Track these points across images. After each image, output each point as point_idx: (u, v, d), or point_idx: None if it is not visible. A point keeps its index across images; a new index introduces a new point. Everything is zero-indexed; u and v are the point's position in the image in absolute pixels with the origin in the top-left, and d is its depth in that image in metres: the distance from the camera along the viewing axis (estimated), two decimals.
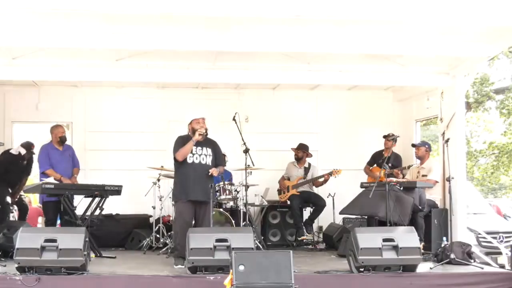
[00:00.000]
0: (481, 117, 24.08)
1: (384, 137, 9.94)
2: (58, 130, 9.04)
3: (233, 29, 7.38)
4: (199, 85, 10.62)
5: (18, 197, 9.44)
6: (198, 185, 7.52)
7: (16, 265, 6.49)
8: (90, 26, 7.24)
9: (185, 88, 10.68)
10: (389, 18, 6.81)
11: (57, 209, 8.62)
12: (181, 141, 7.65)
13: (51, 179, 8.25)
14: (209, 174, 7.55)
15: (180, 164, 7.67)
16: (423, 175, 9.07)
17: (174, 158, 7.68)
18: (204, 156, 7.65)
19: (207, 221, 7.58)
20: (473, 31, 7.61)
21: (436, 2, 6.81)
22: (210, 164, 7.67)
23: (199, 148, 7.64)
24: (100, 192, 8.49)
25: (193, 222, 7.74)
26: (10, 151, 9.27)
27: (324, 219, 10.26)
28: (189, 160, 7.60)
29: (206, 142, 7.72)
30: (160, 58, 8.40)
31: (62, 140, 8.98)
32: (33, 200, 14.41)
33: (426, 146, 9.35)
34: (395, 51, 8.08)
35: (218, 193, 8.96)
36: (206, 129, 7.63)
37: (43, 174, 8.75)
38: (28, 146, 9.22)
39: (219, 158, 7.85)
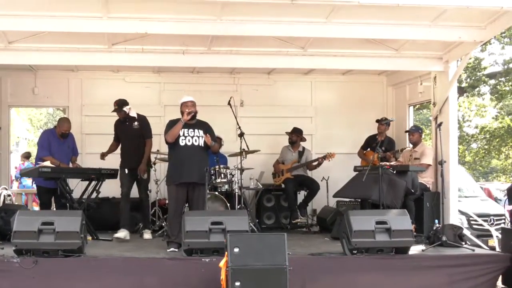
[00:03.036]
0: (473, 102, 24.11)
1: (377, 121, 9.95)
2: (64, 125, 8.94)
3: (228, 14, 7.33)
4: (194, 70, 10.57)
5: (143, 166, 8.55)
6: (191, 166, 7.47)
7: (14, 248, 6.48)
8: (86, 11, 7.19)
9: (181, 73, 10.61)
10: (383, 3, 6.76)
11: (51, 193, 8.61)
12: (171, 124, 7.62)
13: (47, 163, 8.21)
14: (204, 141, 7.50)
15: (172, 147, 7.63)
16: (415, 158, 9.08)
17: (166, 141, 7.66)
18: (196, 138, 7.58)
19: (201, 203, 7.55)
20: (466, 16, 7.58)
21: None
22: (202, 145, 7.60)
23: (191, 130, 7.58)
24: (97, 175, 8.49)
25: (186, 205, 7.73)
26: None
27: (318, 202, 10.27)
28: (182, 143, 7.55)
29: (198, 124, 7.67)
30: (155, 42, 8.33)
31: (63, 136, 8.94)
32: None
33: (420, 131, 9.37)
34: (389, 36, 8.04)
35: (213, 177, 8.95)
36: (195, 111, 7.58)
37: (40, 159, 8.69)
38: (117, 103, 8.73)
39: (211, 137, 7.71)
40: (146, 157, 8.65)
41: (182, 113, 7.58)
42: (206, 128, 7.72)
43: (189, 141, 7.57)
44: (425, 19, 7.68)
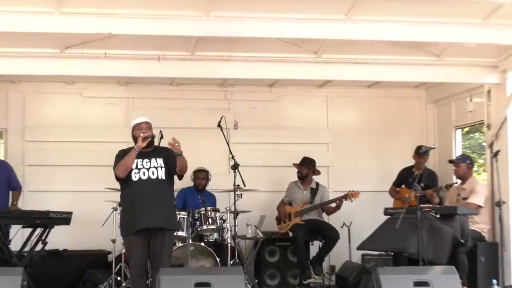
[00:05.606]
0: None
1: (416, 152, 9.99)
2: None
3: (218, 9, 7.43)
4: (173, 81, 10.64)
5: None
6: (150, 207, 7.33)
7: None
8: (32, 5, 7.28)
9: (156, 85, 10.71)
10: None
11: None
12: (122, 154, 7.50)
13: None
14: (165, 172, 7.41)
15: (124, 184, 7.53)
16: (463, 198, 9.11)
17: (116, 177, 7.51)
18: (154, 170, 7.44)
19: (166, 257, 7.46)
20: None
21: None
22: (163, 177, 7.45)
23: (146, 160, 7.45)
24: (43, 220, 8.50)
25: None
26: None
27: (338, 256, 10.29)
28: (135, 178, 7.41)
29: (156, 152, 7.57)
30: (122, 46, 8.42)
31: None
32: None
33: (468, 162, 9.34)
34: (428, 38, 8.14)
35: (198, 222, 8.99)
36: (152, 135, 7.50)
37: None
38: None
39: (172, 165, 7.50)
40: None
41: (135, 138, 7.47)
42: (166, 154, 7.53)
43: (144, 174, 7.42)
44: (475, 16, 7.79)
